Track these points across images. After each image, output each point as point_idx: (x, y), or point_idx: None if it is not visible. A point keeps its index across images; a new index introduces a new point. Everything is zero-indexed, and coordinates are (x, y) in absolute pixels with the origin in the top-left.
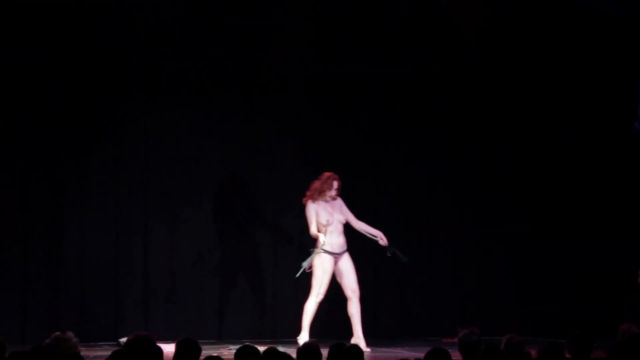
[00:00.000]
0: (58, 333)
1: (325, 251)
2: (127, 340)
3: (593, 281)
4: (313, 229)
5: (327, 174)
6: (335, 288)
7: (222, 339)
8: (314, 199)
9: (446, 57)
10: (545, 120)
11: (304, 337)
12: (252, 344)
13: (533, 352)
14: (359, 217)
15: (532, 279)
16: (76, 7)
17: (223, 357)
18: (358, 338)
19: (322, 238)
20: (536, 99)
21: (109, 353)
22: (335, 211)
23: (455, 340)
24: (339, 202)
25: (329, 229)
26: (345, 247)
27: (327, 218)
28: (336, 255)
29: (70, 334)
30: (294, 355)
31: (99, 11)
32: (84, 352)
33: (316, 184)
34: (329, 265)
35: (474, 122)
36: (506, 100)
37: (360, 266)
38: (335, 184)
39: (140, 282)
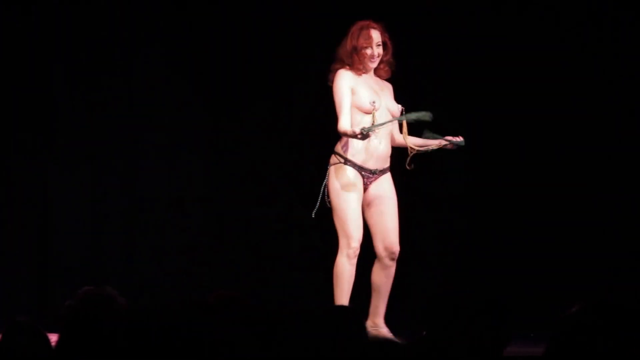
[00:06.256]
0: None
1: (349, 161)
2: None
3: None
4: (342, 122)
5: (359, 22)
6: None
7: None
8: (348, 67)
9: None
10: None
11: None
12: None
13: None
14: None
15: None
16: None
17: None
18: (375, 317)
19: (359, 128)
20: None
21: None
22: (384, 94)
23: None
24: (389, 88)
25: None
26: (387, 164)
27: (372, 98)
28: (369, 175)
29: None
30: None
31: None
32: None
33: (345, 44)
34: (355, 192)
35: None
36: None
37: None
38: (377, 37)
39: None
